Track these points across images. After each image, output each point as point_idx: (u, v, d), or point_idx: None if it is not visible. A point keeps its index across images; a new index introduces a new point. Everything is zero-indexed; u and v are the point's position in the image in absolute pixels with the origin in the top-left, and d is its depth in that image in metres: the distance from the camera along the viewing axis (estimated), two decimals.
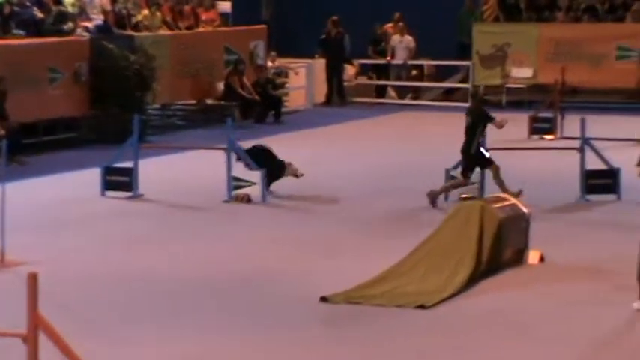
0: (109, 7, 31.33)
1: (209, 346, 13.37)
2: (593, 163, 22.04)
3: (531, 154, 24.70)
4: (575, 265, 17.14)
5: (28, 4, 29.35)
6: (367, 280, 15.66)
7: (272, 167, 22.44)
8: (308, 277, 16.35)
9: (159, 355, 13.00)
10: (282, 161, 22.74)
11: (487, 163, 20.96)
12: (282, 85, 35.57)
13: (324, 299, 15.08)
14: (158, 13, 33.24)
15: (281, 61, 36.63)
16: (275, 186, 22.33)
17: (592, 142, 22.18)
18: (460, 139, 22.20)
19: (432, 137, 28.90)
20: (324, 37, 38.28)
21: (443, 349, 13.40)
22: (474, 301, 15.35)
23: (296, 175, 22.57)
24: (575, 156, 22.18)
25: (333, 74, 38.24)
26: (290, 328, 14.05)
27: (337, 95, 38.23)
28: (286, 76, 36.15)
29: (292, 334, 13.84)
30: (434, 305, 14.95)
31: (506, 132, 25.00)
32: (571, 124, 26.02)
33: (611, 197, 21.80)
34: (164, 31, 32.81)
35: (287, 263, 17.30)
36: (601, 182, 21.99)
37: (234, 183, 21.92)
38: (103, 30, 30.11)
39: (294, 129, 32.30)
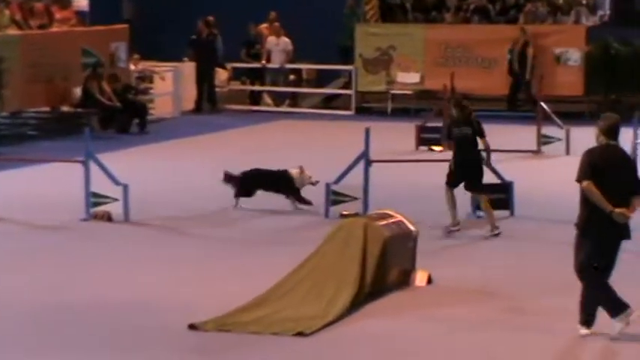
0: None
1: None
2: (486, 177, 22.24)
3: (419, 166, 24.73)
4: (465, 286, 17.19)
5: None
6: (241, 305, 15.52)
7: (274, 184, 22.88)
8: (175, 303, 16.24)
9: None
10: (283, 172, 22.93)
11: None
12: (146, 91, 35.34)
13: (192, 327, 14.91)
14: (6, 11, 32.98)
15: (145, 65, 36.45)
16: (140, 202, 22.07)
17: (484, 154, 22.39)
18: (343, 149, 22.32)
19: (312, 148, 28.96)
20: (194, 37, 38.26)
21: None
22: (357, 326, 15.27)
23: (312, 183, 22.46)
24: None
25: (204, 79, 38.13)
26: (155, 357, 14.01)
27: (208, 102, 38.19)
28: (151, 81, 35.99)
29: None
30: (314, 332, 14.83)
31: (392, 142, 25.19)
32: None
33: (503, 213, 21.97)
34: (13, 31, 32.50)
35: (152, 287, 17.20)
36: (493, 197, 22.13)
37: (94, 199, 21.74)
38: None
39: (160, 139, 32.20)
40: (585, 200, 14.77)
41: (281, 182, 22.59)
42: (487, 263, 18.76)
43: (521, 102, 35.88)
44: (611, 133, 14.74)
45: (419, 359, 14.11)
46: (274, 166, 27.53)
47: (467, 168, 20.49)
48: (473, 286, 17.29)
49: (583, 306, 14.77)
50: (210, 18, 38.00)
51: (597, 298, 14.71)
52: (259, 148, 31.28)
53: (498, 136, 25.11)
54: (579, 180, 14.63)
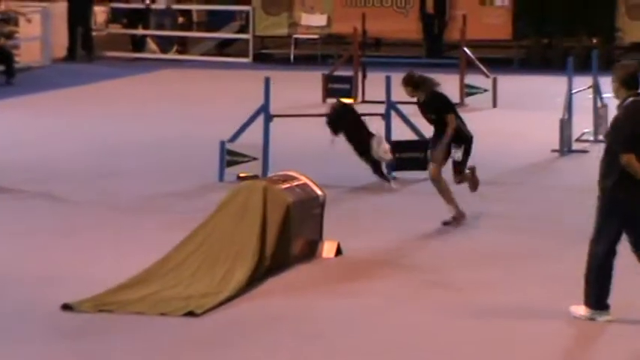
0: None
1: None
2: (402, 133, 22.34)
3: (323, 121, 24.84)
4: (377, 258, 17.18)
5: None
6: (123, 282, 15.37)
7: (359, 137, 21.95)
8: (47, 280, 16.20)
9: None
10: (371, 134, 22.15)
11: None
12: (10, 35, 35.18)
13: (67, 307, 14.74)
14: None
15: (9, 5, 36.27)
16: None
17: (399, 106, 22.46)
18: (240, 102, 22.37)
19: (204, 101, 29.00)
20: None
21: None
22: (256, 304, 15.19)
23: (384, 158, 21.57)
24: (380, 123, 22.49)
25: (78, 21, 38.05)
26: (21, 343, 13.94)
27: (83, 48, 38.11)
28: (16, 24, 35.79)
29: (23, 350, 13.76)
30: (206, 312, 14.79)
31: (297, 94, 25.26)
32: (374, 85, 26.35)
33: (421, 174, 22.03)
34: None
35: (19, 261, 17.16)
36: (410, 156, 22.26)
37: None
38: None
39: (27, 91, 32.14)
40: (613, 163, 14.48)
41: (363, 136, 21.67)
42: (401, 232, 18.75)
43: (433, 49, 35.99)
44: (634, 83, 14.47)
45: (326, 342, 14.06)
46: (164, 120, 27.66)
47: None
48: (385, 257, 17.29)
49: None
50: None
51: (591, 275, 14.59)
52: (142, 102, 31.27)
53: None
54: (620, 152, 14.19)
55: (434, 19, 36.23)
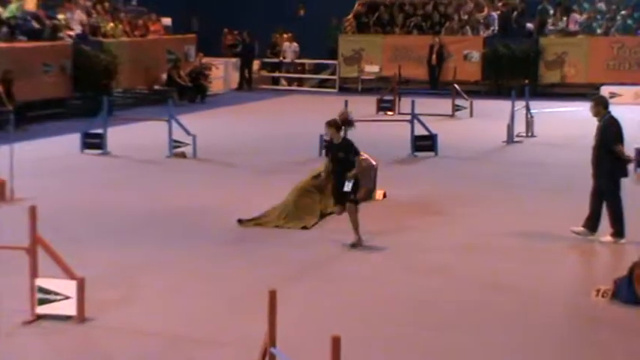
0: (85, 21, 31.08)
1: (150, 254, 13.35)
2: (420, 131, 22.37)
3: (378, 124, 24.83)
4: (408, 199, 17.21)
5: (28, 18, 29.22)
6: (268, 210, 15.57)
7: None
8: (227, 209, 16.36)
9: (114, 258, 13.02)
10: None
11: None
12: (207, 76, 35.35)
13: (240, 221, 15.04)
14: (120, 25, 33.02)
15: (206, 59, 36.43)
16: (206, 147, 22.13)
17: (418, 116, 22.48)
18: (330, 113, 22.35)
19: (311, 113, 28.98)
20: (239, 42, 38.53)
21: (318, 260, 13.51)
22: (336, 224, 15.42)
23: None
24: (407, 126, 22.44)
25: (244, 68, 38.34)
26: (212, 245, 14.12)
27: (246, 83, 38.31)
28: (210, 69, 35.96)
29: (213, 249, 13.91)
30: (312, 226, 15.07)
31: (361, 109, 25.22)
32: (405, 104, 26.35)
33: (430, 154, 22.11)
34: (124, 38, 32.56)
35: (211, 199, 17.34)
36: (424, 143, 22.28)
37: (174, 144, 21.89)
38: (81, 37, 29.91)
39: (215, 106, 32.25)
40: (608, 156, 13.98)
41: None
42: (422, 185, 18.74)
43: (435, 84, 35.76)
44: (607, 105, 14.28)
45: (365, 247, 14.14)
46: (290, 123, 27.57)
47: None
48: (413, 199, 17.29)
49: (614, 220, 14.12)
50: (248, 31, 38.14)
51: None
52: (277, 113, 31.36)
53: (426, 105, 25.18)
54: (613, 144, 13.84)
55: (436, 67, 36.06)
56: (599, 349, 9.82)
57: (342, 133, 14.08)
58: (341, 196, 13.77)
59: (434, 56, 35.96)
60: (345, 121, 14.18)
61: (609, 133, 14.05)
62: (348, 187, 13.62)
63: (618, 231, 14.05)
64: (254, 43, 38.44)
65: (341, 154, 13.79)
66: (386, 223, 15.32)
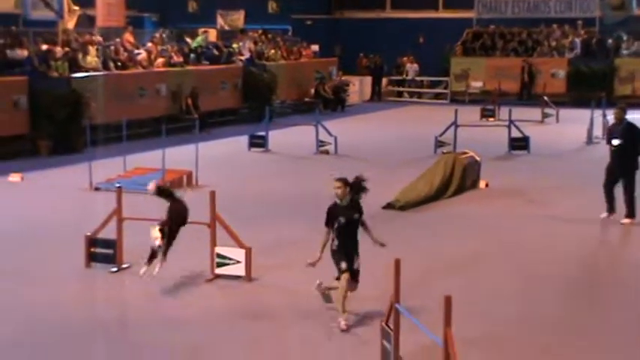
0: (253, 48, 31.51)
1: (303, 231, 12.91)
2: (515, 133, 22.04)
3: (482, 128, 24.53)
4: (506, 188, 16.93)
5: (210, 47, 29.86)
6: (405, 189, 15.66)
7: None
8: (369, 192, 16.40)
9: (275, 233, 13.17)
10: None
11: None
12: (346, 90, 35.39)
13: (388, 206, 14.86)
14: (279, 52, 33.39)
15: (345, 77, 36.50)
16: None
17: (514, 122, 22.15)
18: (444, 121, 22.30)
19: (427, 119, 28.76)
20: (371, 66, 38.57)
21: (422, 236, 13.48)
22: (450, 206, 15.42)
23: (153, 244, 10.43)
24: (505, 130, 22.13)
25: (375, 84, 38.29)
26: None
27: (376, 96, 38.25)
28: (348, 85, 35.98)
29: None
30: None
31: (467, 117, 24.90)
32: (503, 112, 25.92)
33: (524, 152, 21.76)
34: (282, 61, 32.88)
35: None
36: (519, 144, 21.94)
37: (320, 143, 22.04)
38: (249, 61, 30.31)
39: (351, 115, 32.24)
40: (632, 153, 13.74)
41: None
42: (518, 176, 18.45)
43: (528, 96, 34.97)
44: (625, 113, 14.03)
45: (473, 228, 14.01)
46: (411, 127, 27.36)
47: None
48: (510, 187, 17.01)
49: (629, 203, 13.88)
50: (378, 55, 38.13)
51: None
52: (401, 120, 31.23)
53: (520, 113, 24.71)
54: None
55: (528, 83, 35.44)
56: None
57: (349, 196, 9.80)
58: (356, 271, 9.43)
59: (525, 75, 35.39)
60: (358, 185, 10.01)
61: (636, 134, 13.62)
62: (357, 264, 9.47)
63: (633, 213, 13.82)
64: (382, 64, 38.34)
65: (356, 215, 9.72)
66: (485, 208, 15.18)
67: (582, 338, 8.80)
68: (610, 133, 14.11)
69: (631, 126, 13.80)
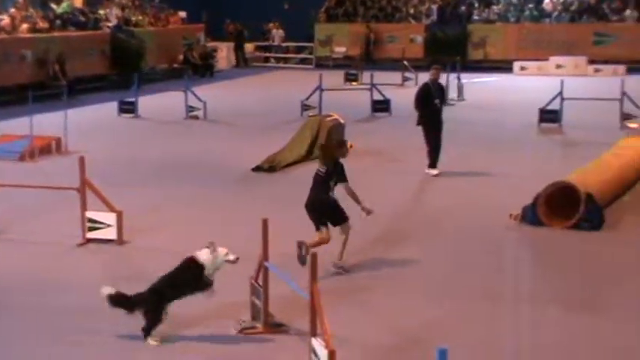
0: (120, 15, 30.78)
1: (173, 193, 13.33)
2: (377, 96, 22.33)
3: (346, 92, 24.74)
4: (369, 148, 16.86)
5: (76, 13, 29.02)
6: (273, 153, 15.60)
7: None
8: (237, 157, 16.37)
9: (145, 196, 13.00)
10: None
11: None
12: (214, 56, 35.05)
13: (256, 168, 14.82)
14: (146, 18, 32.72)
15: (213, 44, 36.14)
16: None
17: (376, 85, 22.43)
18: (310, 84, 22.36)
19: (294, 84, 28.85)
20: (232, 30, 38.26)
21: (290, 195, 13.49)
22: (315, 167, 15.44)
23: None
24: (367, 93, 22.41)
25: (239, 50, 38.04)
26: (222, 184, 14.14)
27: (243, 62, 38.04)
28: (216, 51, 35.67)
29: (222, 187, 13.93)
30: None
31: (332, 81, 25.09)
32: (366, 76, 26.23)
33: (386, 114, 22.00)
34: (150, 28, 32.25)
35: (220, 150, 17.34)
36: (381, 106, 22.24)
37: (190, 109, 21.73)
38: (117, 27, 29.61)
39: (220, 80, 32.03)
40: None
41: None
42: (380, 136, 18.61)
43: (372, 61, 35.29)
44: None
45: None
46: (277, 91, 27.36)
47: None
48: (373, 148, 17.09)
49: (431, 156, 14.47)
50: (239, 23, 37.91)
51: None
52: (267, 84, 31.20)
53: (382, 78, 24.96)
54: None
55: (371, 48, 35.81)
56: (511, 253, 9.96)
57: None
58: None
59: (368, 40, 35.88)
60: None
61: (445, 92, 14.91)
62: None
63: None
64: (243, 30, 38.15)
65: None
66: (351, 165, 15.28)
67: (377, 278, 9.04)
68: (429, 93, 14.42)
69: (442, 86, 14.71)
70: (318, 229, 9.22)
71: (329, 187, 9.18)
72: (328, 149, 9.56)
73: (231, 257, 7.59)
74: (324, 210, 9.19)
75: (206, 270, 7.48)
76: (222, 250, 7.57)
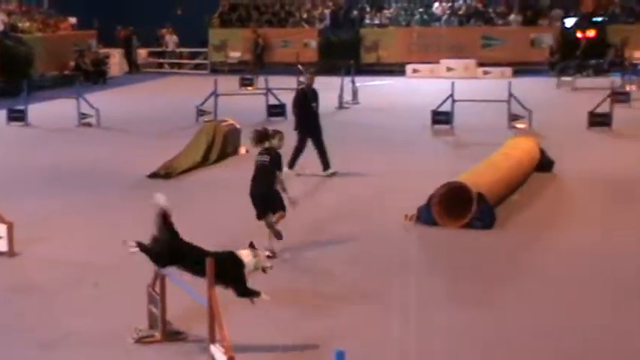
0: (6, 20, 29.98)
1: (65, 201, 13.05)
2: (273, 101, 22.32)
3: (242, 97, 24.65)
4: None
5: None
6: (169, 159, 15.36)
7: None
8: (126, 165, 16.11)
9: (37, 206, 12.69)
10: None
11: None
12: (106, 63, 34.41)
13: (152, 175, 14.59)
14: (35, 24, 31.94)
15: (105, 50, 35.49)
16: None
17: (272, 90, 22.42)
18: (206, 89, 22.17)
19: (189, 90, 28.52)
20: (123, 37, 37.72)
21: (187, 202, 13.36)
22: (212, 173, 15.36)
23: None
24: (263, 97, 22.37)
25: (130, 57, 37.55)
26: (113, 191, 13.90)
27: (134, 67, 37.53)
28: (108, 57, 35.03)
29: (114, 195, 13.69)
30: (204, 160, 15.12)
31: (227, 86, 24.95)
32: (261, 81, 26.19)
33: (281, 118, 21.71)
34: (39, 34, 31.48)
35: (113, 158, 17.02)
36: (277, 110, 22.03)
37: (82, 116, 21.26)
38: (4, 33, 28.85)
39: (114, 87, 31.49)
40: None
41: None
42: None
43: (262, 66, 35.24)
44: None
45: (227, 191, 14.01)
46: (172, 97, 27.03)
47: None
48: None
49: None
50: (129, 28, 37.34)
51: None
52: (163, 90, 30.86)
53: (277, 82, 24.91)
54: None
55: (260, 53, 35.89)
56: (408, 253, 10.08)
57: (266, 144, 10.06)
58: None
59: (257, 45, 35.89)
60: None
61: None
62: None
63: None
64: (131, 36, 37.64)
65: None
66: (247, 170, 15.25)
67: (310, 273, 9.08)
68: (306, 98, 14.64)
69: (316, 91, 14.90)
70: (261, 218, 9.78)
71: (275, 176, 9.68)
72: (267, 138, 9.94)
73: (268, 264, 7.42)
74: (271, 199, 9.74)
75: (245, 269, 7.18)
76: (262, 255, 7.48)
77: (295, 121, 14.86)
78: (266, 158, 9.74)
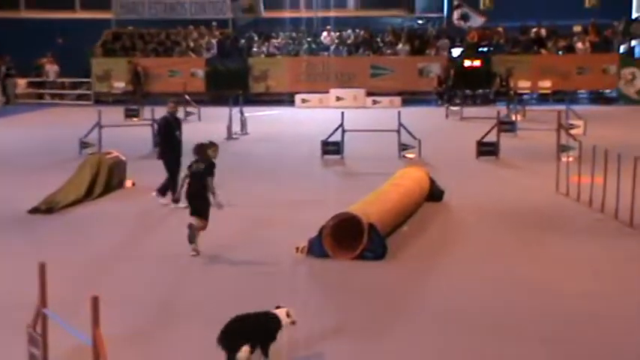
0: None
1: None
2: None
3: (127, 128, 23.91)
4: (153, 185, 16.65)
5: None
6: (52, 193, 15.05)
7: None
8: (13, 197, 15.63)
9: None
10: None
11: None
12: None
13: (33, 210, 14.27)
14: None
15: None
16: None
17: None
18: (90, 120, 21.67)
19: (71, 121, 27.87)
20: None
21: (71, 238, 13.12)
22: (98, 206, 15.07)
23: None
24: (149, 128, 21.95)
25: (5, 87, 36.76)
26: None
27: (8, 98, 36.70)
28: None
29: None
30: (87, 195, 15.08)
31: (111, 117, 24.54)
32: (147, 111, 25.82)
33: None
34: None
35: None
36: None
37: None
38: None
39: None
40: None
41: None
42: (161, 173, 18.39)
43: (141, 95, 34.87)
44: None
45: (146, 224, 13.83)
46: (52, 130, 26.38)
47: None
48: (157, 184, 16.88)
49: None
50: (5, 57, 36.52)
51: None
52: (44, 121, 30.15)
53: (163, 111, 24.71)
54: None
55: (138, 83, 35.52)
56: (299, 286, 10.08)
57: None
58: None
59: (134, 75, 35.66)
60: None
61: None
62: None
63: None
64: (1, 66, 36.84)
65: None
66: (133, 203, 15.04)
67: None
68: (170, 126, 15.10)
69: (179, 119, 15.51)
70: (193, 214, 11.52)
71: (206, 182, 11.39)
72: (203, 149, 11.72)
73: (295, 319, 7.79)
74: (201, 201, 11.47)
75: (282, 329, 7.72)
76: (292, 312, 7.80)
77: (158, 151, 15.18)
78: (202, 165, 11.50)
